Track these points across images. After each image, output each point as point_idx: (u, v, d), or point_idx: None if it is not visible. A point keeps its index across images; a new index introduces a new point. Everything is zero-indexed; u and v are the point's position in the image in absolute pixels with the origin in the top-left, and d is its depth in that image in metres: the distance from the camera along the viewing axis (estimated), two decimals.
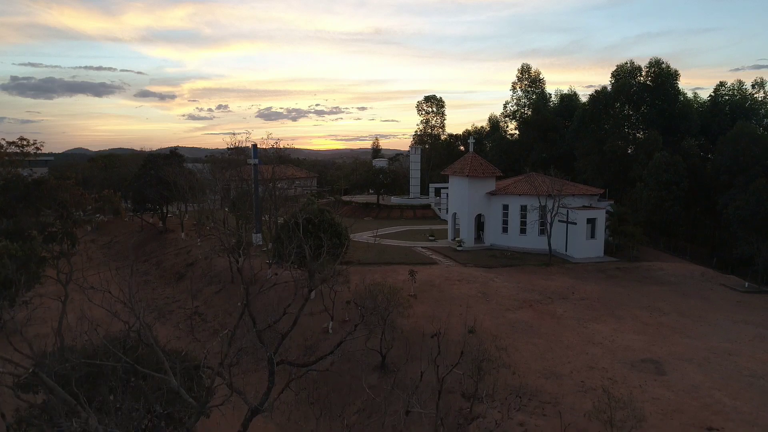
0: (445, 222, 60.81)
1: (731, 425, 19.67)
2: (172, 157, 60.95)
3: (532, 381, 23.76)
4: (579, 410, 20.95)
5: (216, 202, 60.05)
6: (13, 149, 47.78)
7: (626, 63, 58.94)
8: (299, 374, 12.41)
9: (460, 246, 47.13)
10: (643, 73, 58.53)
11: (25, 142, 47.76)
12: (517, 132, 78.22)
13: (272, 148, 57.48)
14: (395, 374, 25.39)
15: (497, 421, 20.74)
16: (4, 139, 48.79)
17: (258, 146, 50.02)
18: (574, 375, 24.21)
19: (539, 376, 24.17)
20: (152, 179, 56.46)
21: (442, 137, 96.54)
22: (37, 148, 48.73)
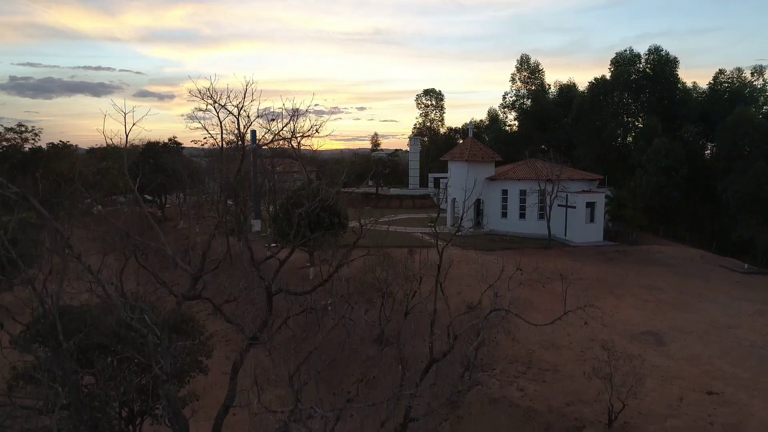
0: (444, 211, 60.72)
1: (731, 390, 19.65)
2: (171, 145, 60.81)
3: (531, 352, 23.73)
4: (578, 377, 20.93)
5: (215, 191, 59.93)
6: (11, 135, 47.71)
7: (625, 50, 58.97)
8: (298, 312, 12.34)
9: (458, 232, 47.07)
10: (642, 61, 58.48)
11: (23, 128, 47.74)
12: (516, 123, 78.13)
13: (274, 147, 57.06)
14: (394, 345, 25.31)
15: (497, 388, 20.71)
16: (1, 125, 48.61)
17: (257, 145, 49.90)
18: (574, 346, 24.20)
19: (539, 347, 24.15)
20: (151, 167, 56.29)
21: (441, 131, 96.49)
22: (36, 134, 48.68)
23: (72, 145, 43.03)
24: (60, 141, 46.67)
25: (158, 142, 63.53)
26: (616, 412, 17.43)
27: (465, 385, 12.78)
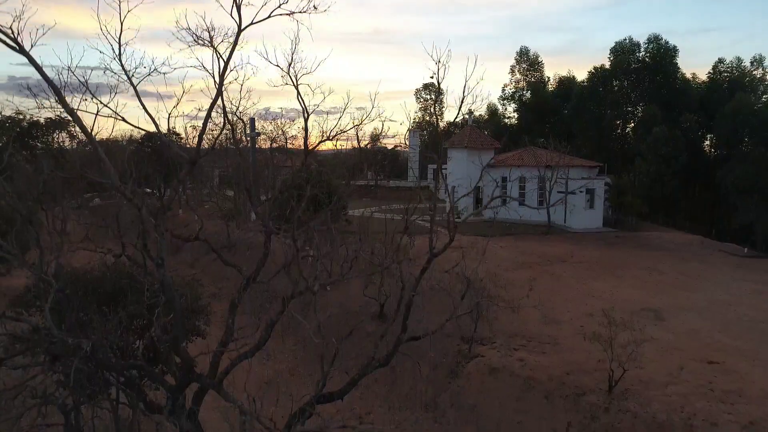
0: (443, 201, 60.66)
1: (732, 360, 19.57)
2: (171, 135, 60.65)
3: (532, 327, 23.66)
4: (579, 349, 20.85)
5: (214, 182, 59.91)
6: (8, 124, 47.44)
7: (624, 39, 58.96)
8: (303, 256, 12.21)
9: (458, 218, 47.04)
10: (642, 50, 58.45)
11: (21, 116, 47.48)
12: (515, 115, 78.01)
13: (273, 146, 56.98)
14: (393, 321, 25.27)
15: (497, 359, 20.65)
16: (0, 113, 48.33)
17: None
18: (574, 321, 24.10)
19: (538, 323, 24.06)
20: (150, 157, 56.10)
21: (441, 125, 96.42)
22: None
23: (70, 121, 42.51)
24: (58, 116, 46.40)
25: (157, 134, 63.38)
26: (616, 379, 17.37)
27: (471, 305, 12.70)
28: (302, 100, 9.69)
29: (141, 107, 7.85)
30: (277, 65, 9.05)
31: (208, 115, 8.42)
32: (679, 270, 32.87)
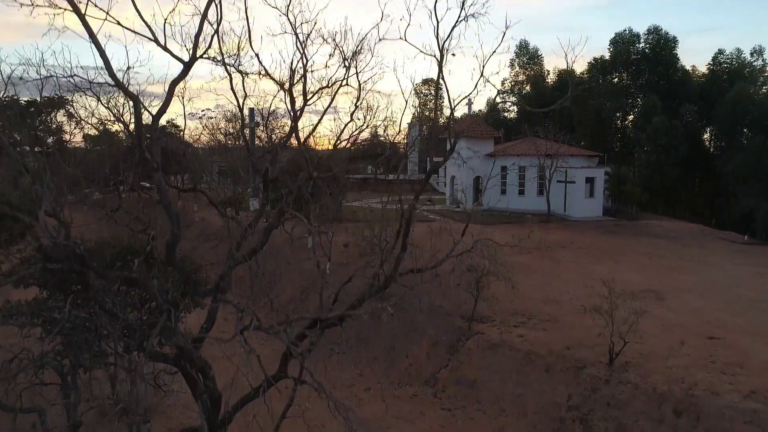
0: (443, 193, 60.60)
1: (732, 336, 19.51)
2: (170, 126, 60.40)
3: (532, 306, 23.60)
4: (579, 326, 20.78)
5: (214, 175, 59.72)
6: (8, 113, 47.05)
7: (624, 30, 58.87)
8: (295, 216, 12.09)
9: (458, 207, 47.04)
10: (642, 41, 58.35)
11: (18, 98, 47.02)
12: (515, 108, 77.93)
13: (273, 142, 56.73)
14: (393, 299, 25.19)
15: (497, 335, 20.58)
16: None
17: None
18: (574, 301, 24.00)
19: (539, 302, 24.02)
20: (149, 148, 55.92)
21: (441, 120, 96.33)
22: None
23: (68, 99, 42.17)
24: (56, 94, 46.01)
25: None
26: (617, 352, 17.32)
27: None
28: (301, 46, 9.60)
29: (136, 13, 7.69)
30: (275, 6, 8.93)
31: (205, 15, 8.25)
32: (680, 255, 32.82)
